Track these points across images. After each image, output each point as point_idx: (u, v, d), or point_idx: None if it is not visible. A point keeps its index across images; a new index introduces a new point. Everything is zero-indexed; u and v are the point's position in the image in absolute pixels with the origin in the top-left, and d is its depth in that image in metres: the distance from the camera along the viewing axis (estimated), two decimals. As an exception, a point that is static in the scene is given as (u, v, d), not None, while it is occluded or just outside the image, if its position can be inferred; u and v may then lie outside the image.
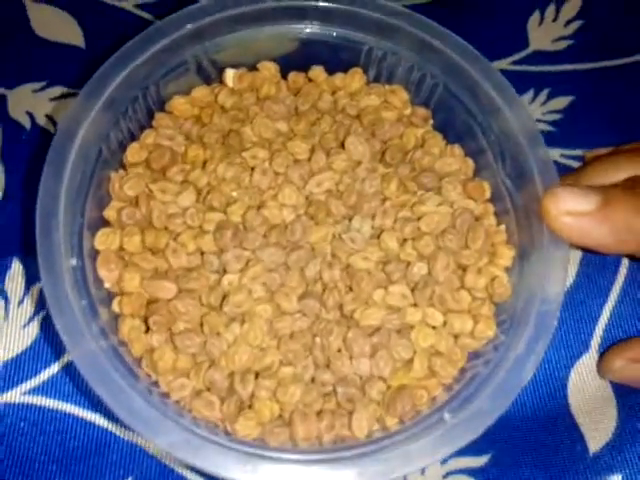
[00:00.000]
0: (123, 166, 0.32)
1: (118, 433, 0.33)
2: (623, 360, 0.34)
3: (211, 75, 0.34)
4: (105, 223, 0.30)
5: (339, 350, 0.29)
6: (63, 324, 0.24)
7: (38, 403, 0.33)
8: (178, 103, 0.33)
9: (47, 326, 0.34)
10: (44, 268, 0.25)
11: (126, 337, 0.28)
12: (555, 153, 0.41)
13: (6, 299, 0.35)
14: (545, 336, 0.26)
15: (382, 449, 0.25)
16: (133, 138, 0.32)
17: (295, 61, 0.35)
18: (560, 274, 0.27)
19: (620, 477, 0.33)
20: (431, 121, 0.34)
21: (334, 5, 0.32)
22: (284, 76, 0.35)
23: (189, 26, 0.30)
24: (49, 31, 0.44)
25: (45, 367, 0.34)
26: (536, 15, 0.47)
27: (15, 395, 0.33)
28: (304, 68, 0.35)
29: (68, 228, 0.26)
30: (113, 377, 0.24)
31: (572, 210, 0.27)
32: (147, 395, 0.25)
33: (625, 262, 0.38)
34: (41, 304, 0.35)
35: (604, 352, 0.35)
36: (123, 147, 0.31)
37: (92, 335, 0.25)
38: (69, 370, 0.33)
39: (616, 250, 0.28)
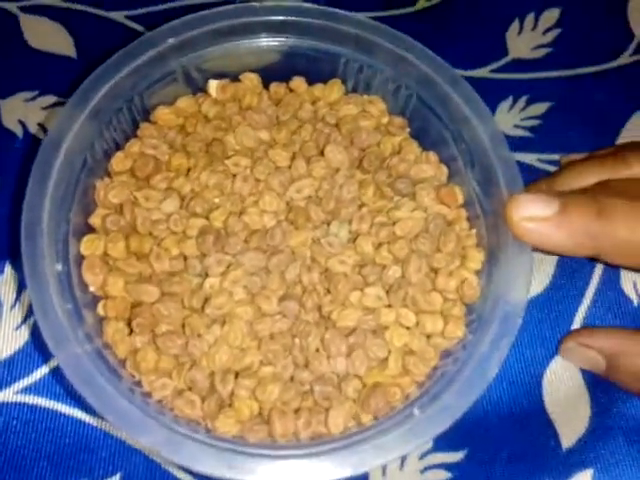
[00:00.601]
0: (108, 174, 0.33)
1: (107, 430, 0.34)
2: (574, 342, 0.36)
3: (198, 84, 0.36)
4: (90, 229, 0.31)
5: (317, 350, 0.30)
6: (48, 328, 0.26)
7: (30, 402, 0.34)
8: (163, 113, 0.34)
9: (37, 329, 0.35)
10: (29, 274, 0.26)
11: (110, 339, 0.29)
12: (532, 157, 0.43)
13: (-1, 303, 0.36)
14: (509, 335, 0.27)
15: (355, 443, 0.26)
16: (118, 147, 0.33)
17: (277, 72, 0.36)
18: (524, 276, 0.28)
19: (592, 471, 0.34)
20: (407, 129, 0.36)
21: (312, 20, 0.33)
22: (266, 86, 0.36)
23: (171, 40, 0.31)
24: (41, 41, 0.45)
25: (37, 368, 0.35)
26: (515, 24, 0.48)
27: (8, 394, 0.34)
28: (285, 79, 0.36)
29: (53, 235, 0.27)
30: (97, 379, 0.25)
31: (532, 216, 0.28)
32: (130, 395, 0.26)
33: (600, 264, 0.39)
34: (32, 308, 0.36)
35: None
36: (108, 156, 0.32)
37: (77, 339, 0.26)
38: (59, 371, 0.35)
39: (574, 253, 0.30)
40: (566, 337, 0.36)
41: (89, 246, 0.30)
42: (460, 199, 0.32)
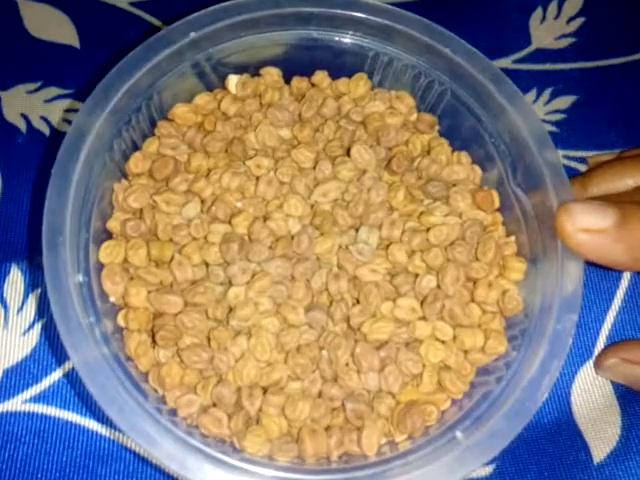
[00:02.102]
0: (125, 176, 0.31)
1: (121, 442, 0.32)
2: (616, 358, 0.34)
3: (217, 80, 0.34)
4: (108, 234, 0.30)
5: (347, 364, 0.28)
6: (71, 342, 0.24)
7: (39, 411, 0.32)
8: (181, 111, 0.32)
9: (48, 333, 0.34)
10: (52, 286, 0.24)
11: (133, 353, 0.27)
12: (559, 154, 0.41)
13: (5, 306, 0.34)
14: (560, 355, 0.25)
15: (395, 470, 0.24)
16: (136, 148, 0.31)
17: (298, 66, 0.34)
18: (575, 288, 0.26)
19: (624, 485, 0.33)
20: (437, 127, 0.34)
21: (340, 11, 0.31)
22: (287, 81, 0.34)
23: (193, 34, 0.29)
24: (43, 31, 0.44)
25: (46, 375, 0.33)
26: (538, 12, 0.46)
27: (16, 403, 0.32)
28: (308, 73, 0.34)
29: (74, 243, 0.26)
30: (123, 397, 0.24)
31: (588, 227, 0.26)
32: (156, 414, 0.24)
33: (627, 272, 0.38)
34: (41, 311, 0.34)
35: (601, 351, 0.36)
36: (126, 157, 0.31)
37: (101, 353, 0.24)
38: (70, 378, 0.33)
39: (630, 268, 0.28)
40: (604, 353, 0.35)
41: (108, 253, 0.28)
42: (497, 203, 0.31)
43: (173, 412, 0.27)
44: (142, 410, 0.24)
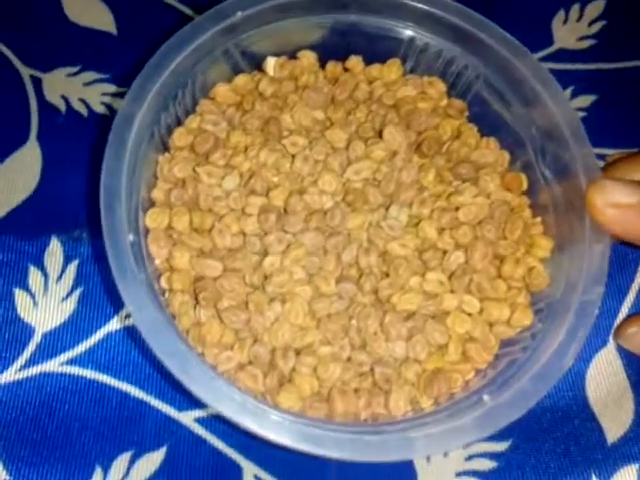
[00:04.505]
0: (167, 149, 0.33)
1: (153, 404, 0.34)
2: (636, 327, 0.35)
3: (245, 67, 0.35)
4: (151, 203, 0.31)
5: (375, 333, 0.30)
6: (129, 294, 0.25)
7: (76, 373, 0.34)
8: (221, 90, 0.33)
9: (84, 301, 0.35)
10: (110, 243, 0.26)
11: (176, 311, 0.29)
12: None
13: (46, 275, 0.35)
14: (586, 324, 0.26)
15: (424, 426, 0.25)
16: (179, 123, 0.33)
17: (333, 50, 0.35)
18: (601, 265, 0.27)
19: (637, 466, 0.34)
20: (466, 113, 0.35)
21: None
22: (322, 65, 0.36)
23: (239, 14, 0.31)
24: (82, 17, 0.45)
25: (82, 340, 0.34)
26: (561, 13, 0.48)
27: (54, 365, 0.34)
28: (342, 57, 0.36)
29: (127, 206, 0.27)
30: (176, 344, 0.25)
31: (617, 202, 0.28)
32: (203, 364, 0.26)
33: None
34: (79, 280, 0.36)
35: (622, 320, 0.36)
36: (170, 131, 0.32)
37: (154, 305, 0.26)
38: (106, 343, 0.34)
39: None
40: (626, 322, 0.36)
41: (154, 219, 0.30)
42: (525, 185, 0.32)
43: (212, 368, 0.28)
44: (198, 363, 0.25)
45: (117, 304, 0.35)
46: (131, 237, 0.27)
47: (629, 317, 0.37)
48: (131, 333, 0.35)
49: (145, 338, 0.25)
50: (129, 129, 0.28)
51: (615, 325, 0.37)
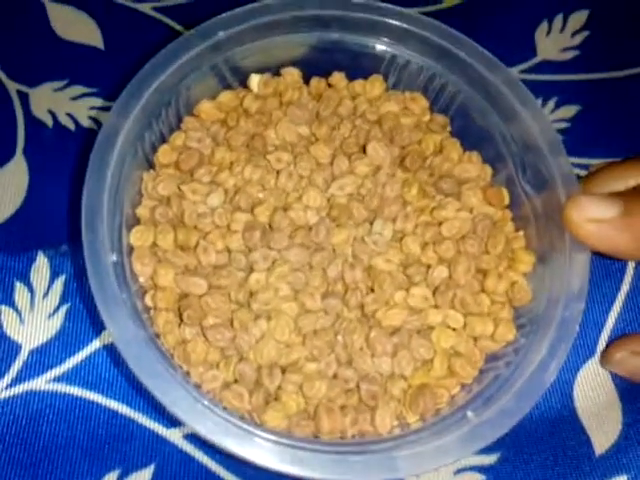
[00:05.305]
0: (152, 166, 0.33)
1: (141, 422, 0.34)
2: (624, 352, 0.35)
3: (232, 83, 0.35)
4: (136, 221, 0.31)
5: (361, 348, 0.30)
6: (109, 314, 0.26)
7: (62, 391, 0.34)
8: (206, 107, 0.34)
9: (71, 317, 0.35)
10: (90, 262, 0.26)
11: (161, 329, 0.29)
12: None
13: (32, 290, 0.35)
14: (567, 340, 0.27)
15: (407, 444, 0.26)
16: (163, 140, 0.33)
17: (317, 67, 0.36)
18: (582, 279, 0.28)
19: (626, 477, 0.33)
20: (449, 128, 0.35)
21: (358, 14, 0.33)
22: (306, 81, 0.36)
23: (221, 34, 0.31)
24: (68, 31, 0.45)
25: (69, 356, 0.34)
26: (544, 25, 0.48)
27: (40, 383, 0.34)
28: (325, 74, 0.36)
29: (109, 225, 0.27)
30: (155, 365, 0.25)
31: (594, 217, 0.28)
32: (185, 384, 0.26)
33: (630, 270, 0.39)
34: (65, 296, 0.35)
35: (608, 345, 0.36)
36: (154, 149, 0.32)
37: (135, 326, 0.26)
38: (93, 360, 0.34)
39: (636, 257, 0.29)
40: (613, 347, 0.36)
41: (139, 237, 0.30)
42: (507, 200, 0.32)
43: (197, 387, 0.28)
44: (179, 383, 0.25)
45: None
46: (114, 257, 0.27)
47: (614, 342, 0.36)
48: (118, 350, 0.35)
49: (125, 359, 0.25)
50: (112, 147, 0.28)
51: (601, 338, 0.37)
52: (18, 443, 0.32)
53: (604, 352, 0.36)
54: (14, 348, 0.34)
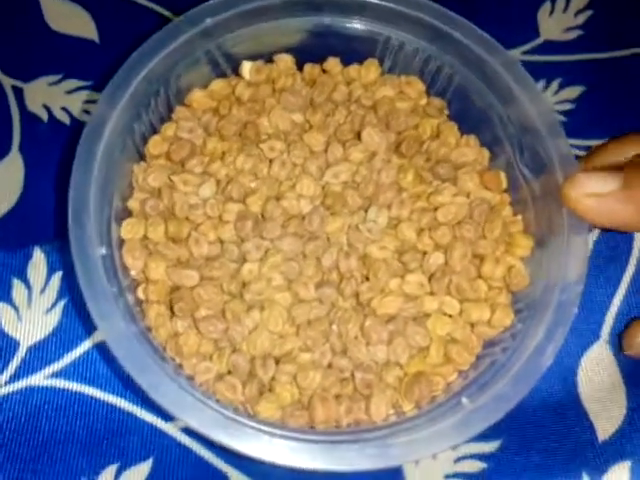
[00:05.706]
0: (143, 158, 0.32)
1: (139, 415, 0.33)
2: None
3: (225, 70, 0.35)
4: (127, 213, 0.31)
5: (356, 337, 0.29)
6: (98, 310, 0.25)
7: (61, 386, 0.34)
8: (197, 96, 0.33)
9: (69, 313, 0.35)
10: (77, 257, 0.26)
11: (152, 323, 0.29)
12: (567, 143, 0.42)
13: (29, 287, 0.35)
14: (564, 324, 0.26)
15: (405, 431, 0.25)
16: (154, 131, 0.32)
17: (310, 52, 0.35)
18: (579, 263, 0.27)
19: (629, 463, 0.33)
20: (446, 111, 0.35)
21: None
22: (299, 67, 0.35)
23: (209, 20, 0.31)
24: (63, 24, 0.45)
25: (67, 352, 0.34)
26: (547, 5, 0.47)
27: (39, 379, 0.34)
28: (320, 59, 0.35)
29: (97, 219, 0.27)
30: (145, 359, 0.25)
31: (595, 192, 0.27)
32: (176, 377, 0.25)
33: (635, 253, 0.38)
34: (63, 292, 0.35)
35: (627, 326, 0.36)
36: (145, 139, 0.32)
37: (124, 320, 0.25)
38: (91, 355, 0.34)
39: None
40: (632, 331, 0.35)
41: (129, 230, 0.30)
42: (504, 183, 0.32)
43: (190, 379, 0.28)
44: (170, 378, 0.25)
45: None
46: (103, 250, 0.26)
47: (631, 326, 0.36)
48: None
49: (114, 353, 0.25)
50: (99, 138, 0.28)
51: (605, 323, 0.36)
52: (17, 439, 0.32)
53: (621, 337, 0.36)
54: (12, 345, 0.34)
